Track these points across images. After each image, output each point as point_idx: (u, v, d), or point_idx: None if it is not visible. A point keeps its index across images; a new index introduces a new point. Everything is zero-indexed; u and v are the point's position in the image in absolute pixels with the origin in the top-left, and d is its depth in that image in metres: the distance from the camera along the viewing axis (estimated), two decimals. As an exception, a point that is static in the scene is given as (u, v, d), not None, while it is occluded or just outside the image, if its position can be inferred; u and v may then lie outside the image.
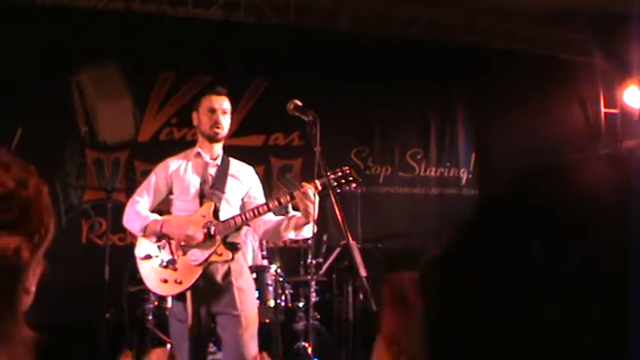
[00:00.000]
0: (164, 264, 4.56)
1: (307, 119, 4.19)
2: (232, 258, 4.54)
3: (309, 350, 5.32)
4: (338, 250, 6.22)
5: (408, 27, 8.45)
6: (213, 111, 4.70)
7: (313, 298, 5.79)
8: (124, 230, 7.25)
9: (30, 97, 6.83)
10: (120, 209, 6.96)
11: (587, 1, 7.87)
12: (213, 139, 4.73)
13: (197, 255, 4.51)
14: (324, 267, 6.24)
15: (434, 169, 8.55)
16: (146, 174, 7.46)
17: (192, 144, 7.38)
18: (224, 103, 4.77)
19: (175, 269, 4.53)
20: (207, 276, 4.50)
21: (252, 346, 4.53)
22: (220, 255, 4.53)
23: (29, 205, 1.20)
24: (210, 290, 4.49)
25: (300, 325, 6.21)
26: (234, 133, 6.77)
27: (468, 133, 8.79)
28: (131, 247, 7.20)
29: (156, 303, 5.82)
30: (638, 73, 8.73)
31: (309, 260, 5.78)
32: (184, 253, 4.53)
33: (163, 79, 7.65)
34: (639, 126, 8.98)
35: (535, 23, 8.60)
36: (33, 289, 1.27)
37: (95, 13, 7.47)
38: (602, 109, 9.33)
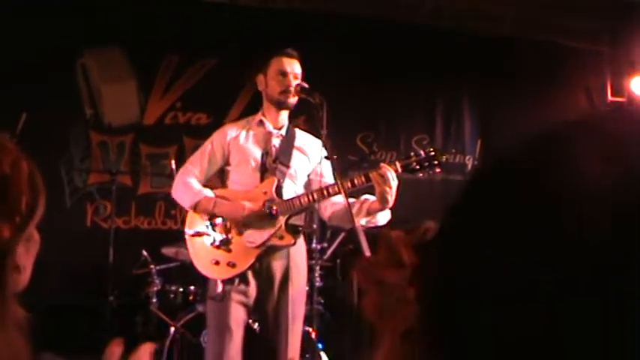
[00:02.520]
0: (217, 243, 4.16)
1: (314, 102, 3.98)
2: (294, 242, 4.14)
3: (313, 335, 5.31)
4: (343, 234, 6.22)
5: (415, 12, 8.40)
6: (284, 74, 4.25)
7: (317, 283, 5.78)
8: (128, 213, 7.29)
9: (35, 80, 6.82)
10: (124, 192, 7.04)
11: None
12: (282, 105, 4.28)
13: (255, 236, 4.11)
14: (329, 252, 6.24)
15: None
16: (151, 157, 7.56)
17: (197, 128, 7.49)
18: (296, 67, 4.32)
19: (229, 250, 4.13)
20: (262, 263, 4.15)
21: (297, 345, 4.19)
22: (282, 238, 4.11)
23: (4, 184, 1.19)
24: (263, 280, 4.16)
25: (304, 310, 6.21)
26: (240, 115, 6.76)
27: (474, 120, 8.77)
28: (135, 230, 7.31)
29: (160, 286, 5.82)
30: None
31: (313, 245, 5.77)
32: (240, 233, 4.15)
33: (168, 63, 7.63)
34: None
35: (542, 10, 8.56)
36: (26, 266, 1.26)
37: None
38: (609, 98, 9.29)
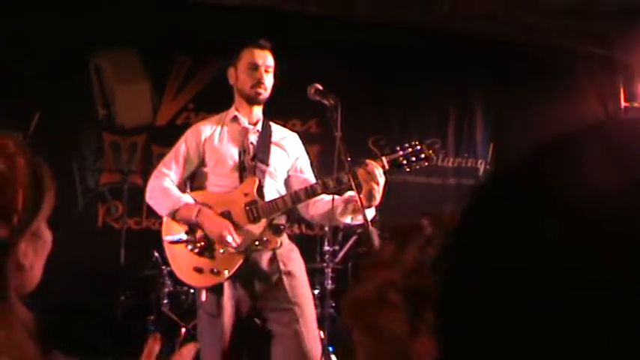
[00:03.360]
0: (197, 250, 3.88)
1: (328, 103, 3.77)
2: (280, 244, 3.89)
3: (325, 338, 5.30)
4: (355, 237, 6.21)
5: (428, 16, 8.39)
6: (255, 67, 4.00)
7: (329, 285, 5.77)
8: (140, 214, 7.29)
9: (48, 81, 6.84)
10: (136, 192, 7.01)
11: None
12: (253, 100, 4.04)
13: (237, 241, 3.82)
14: (340, 254, 6.23)
15: (452, 159, 8.52)
16: (162, 158, 7.53)
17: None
18: (268, 59, 4.06)
19: (212, 257, 3.85)
20: (249, 264, 3.83)
21: (314, 343, 3.89)
22: (266, 242, 3.85)
23: (0, 185, 1.17)
24: (253, 281, 3.87)
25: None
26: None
27: (487, 125, 8.76)
28: (147, 230, 7.31)
29: (171, 287, 5.83)
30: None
31: (325, 247, 5.75)
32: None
33: (181, 64, 7.66)
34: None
35: (555, 16, 8.53)
36: (33, 266, 1.25)
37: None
38: (622, 103, 9.26)
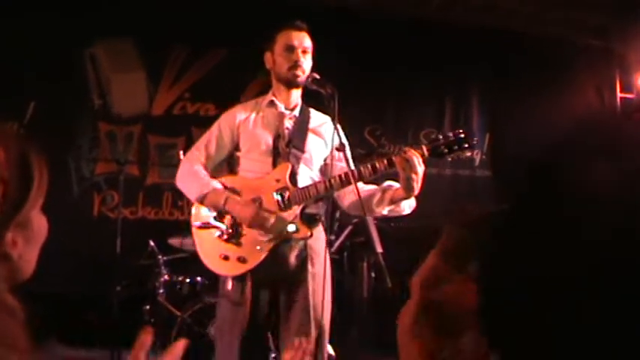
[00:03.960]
0: (225, 237, 3.77)
1: (325, 92, 3.68)
2: (311, 235, 3.72)
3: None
4: (350, 227, 6.21)
5: (424, 7, 8.37)
6: (291, 49, 3.87)
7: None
8: (135, 203, 7.29)
9: (43, 70, 6.83)
10: (132, 182, 7.03)
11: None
12: (291, 83, 3.88)
13: (267, 228, 3.70)
14: (336, 244, 6.23)
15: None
16: (159, 148, 7.55)
17: (206, 119, 7.47)
18: (305, 40, 3.94)
19: (239, 244, 3.73)
20: (277, 255, 3.71)
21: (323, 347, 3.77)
22: (297, 231, 3.69)
23: None
24: (277, 274, 3.74)
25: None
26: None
27: (483, 115, 8.76)
28: (142, 220, 7.32)
29: (167, 277, 5.83)
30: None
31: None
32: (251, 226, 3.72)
33: (177, 53, 7.64)
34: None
35: (553, 7, 8.53)
36: (23, 255, 1.24)
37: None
38: (619, 94, 9.26)
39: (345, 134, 3.87)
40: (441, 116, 8.57)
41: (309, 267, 3.73)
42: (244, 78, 7.55)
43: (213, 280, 5.75)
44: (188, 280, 5.87)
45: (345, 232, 6.28)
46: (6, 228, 1.19)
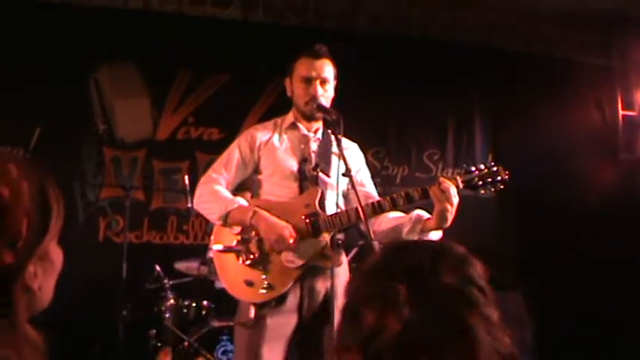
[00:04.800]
0: (250, 262, 3.62)
1: (331, 119, 3.59)
2: (341, 262, 3.63)
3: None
4: (355, 249, 6.19)
5: (427, 28, 8.41)
6: (309, 81, 3.72)
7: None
8: (141, 228, 7.30)
9: (48, 95, 6.85)
10: (137, 207, 7.05)
11: (606, 4, 7.82)
12: (309, 117, 3.77)
13: (295, 255, 3.55)
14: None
15: (451, 169, 8.51)
16: (164, 172, 7.56)
17: (209, 143, 7.50)
18: (324, 70, 3.77)
19: (266, 270, 3.57)
20: (304, 282, 3.60)
21: None
22: (327, 258, 3.55)
23: (3, 213, 1.17)
24: (302, 305, 3.61)
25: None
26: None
27: (485, 135, 8.76)
28: (147, 244, 7.31)
29: (173, 301, 5.83)
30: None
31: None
32: (278, 251, 3.57)
33: (181, 78, 7.66)
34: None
35: (554, 25, 8.57)
36: (43, 287, 1.25)
37: (114, 12, 7.48)
38: (620, 112, 9.27)
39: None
40: (444, 137, 8.57)
41: (336, 299, 3.51)
42: (247, 102, 7.60)
43: (219, 304, 5.78)
44: (194, 304, 5.86)
45: (350, 255, 6.27)
46: (28, 260, 1.20)
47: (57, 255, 1.29)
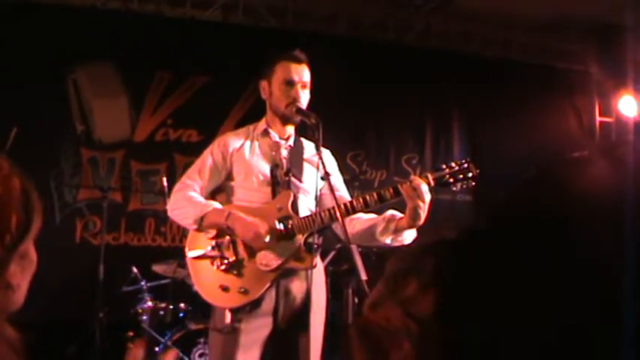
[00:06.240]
0: (224, 267, 3.60)
1: (310, 122, 3.58)
2: (315, 264, 3.57)
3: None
4: (333, 252, 6.19)
5: (405, 33, 8.46)
6: (291, 84, 3.71)
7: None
8: (118, 229, 7.26)
9: (25, 95, 6.81)
10: (114, 208, 7.00)
11: (583, 11, 7.89)
12: (288, 120, 3.77)
13: (269, 258, 3.55)
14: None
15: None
16: (141, 174, 7.53)
17: (188, 145, 7.48)
18: (304, 74, 3.76)
19: (240, 275, 3.56)
20: (279, 285, 3.59)
21: None
22: (301, 261, 3.56)
23: None
24: (279, 306, 3.61)
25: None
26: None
27: (463, 140, 8.80)
28: (125, 246, 7.28)
29: (150, 303, 5.81)
30: (633, 82, 8.75)
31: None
32: (252, 255, 3.58)
33: (160, 79, 7.64)
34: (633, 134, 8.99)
35: (531, 32, 8.63)
36: (21, 285, 1.25)
37: (93, 12, 7.45)
38: (597, 118, 9.36)
39: (328, 160, 3.83)
40: (422, 141, 8.61)
41: (312, 301, 3.55)
42: (226, 104, 7.58)
43: (196, 306, 5.76)
44: (171, 307, 5.85)
45: (329, 258, 6.27)
46: (11, 258, 1.20)
47: (34, 255, 1.29)
